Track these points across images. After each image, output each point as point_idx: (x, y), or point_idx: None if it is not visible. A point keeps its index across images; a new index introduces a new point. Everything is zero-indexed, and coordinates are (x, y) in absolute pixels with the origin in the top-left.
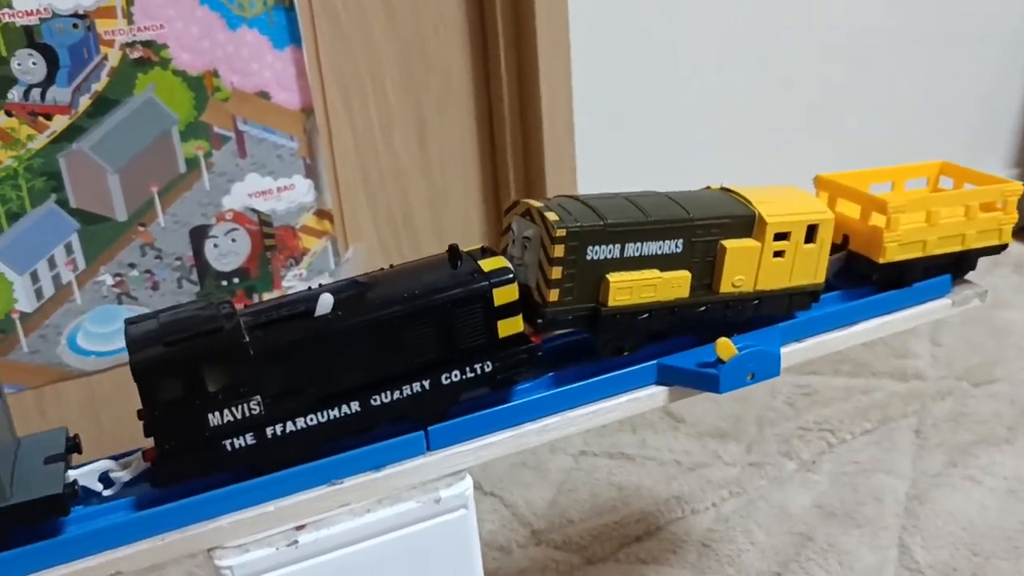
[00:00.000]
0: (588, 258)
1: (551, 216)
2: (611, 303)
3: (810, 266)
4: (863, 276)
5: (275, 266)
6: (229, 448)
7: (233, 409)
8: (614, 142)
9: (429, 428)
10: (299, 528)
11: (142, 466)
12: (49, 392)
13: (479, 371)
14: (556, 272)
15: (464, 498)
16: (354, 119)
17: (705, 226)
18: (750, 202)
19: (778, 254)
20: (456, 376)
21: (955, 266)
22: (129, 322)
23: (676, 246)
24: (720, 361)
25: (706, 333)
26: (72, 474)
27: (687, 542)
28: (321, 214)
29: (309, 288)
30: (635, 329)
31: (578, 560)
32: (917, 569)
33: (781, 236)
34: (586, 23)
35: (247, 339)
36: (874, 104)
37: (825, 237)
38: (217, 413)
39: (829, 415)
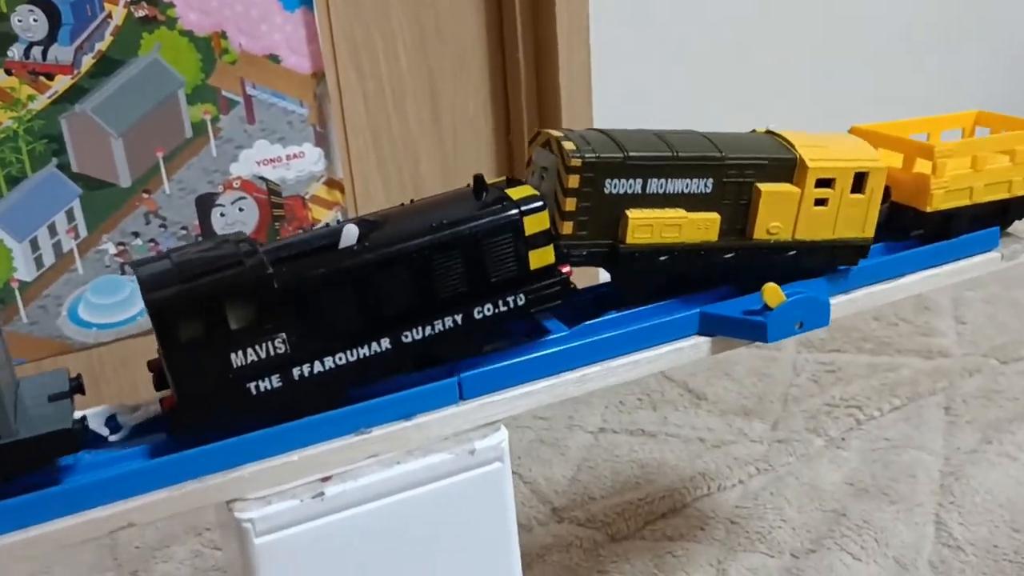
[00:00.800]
0: (606, 191)
1: (568, 145)
2: (629, 240)
3: (857, 218)
4: (907, 228)
5: (283, 237)
6: (254, 391)
7: (257, 348)
8: (634, 116)
9: (462, 376)
10: (325, 479)
11: (151, 412)
12: (49, 365)
13: (511, 304)
14: (570, 204)
15: (500, 450)
16: (366, 86)
17: (738, 166)
18: (793, 145)
19: (820, 202)
20: (488, 310)
21: (1001, 215)
22: (137, 264)
23: (705, 185)
24: (767, 308)
25: (738, 282)
26: (80, 412)
27: (714, 519)
28: (331, 184)
29: (328, 224)
30: (655, 270)
31: (602, 537)
32: (956, 546)
33: (824, 183)
34: None
35: (270, 271)
36: (886, 93)
37: (875, 187)
38: (240, 353)
39: (855, 392)
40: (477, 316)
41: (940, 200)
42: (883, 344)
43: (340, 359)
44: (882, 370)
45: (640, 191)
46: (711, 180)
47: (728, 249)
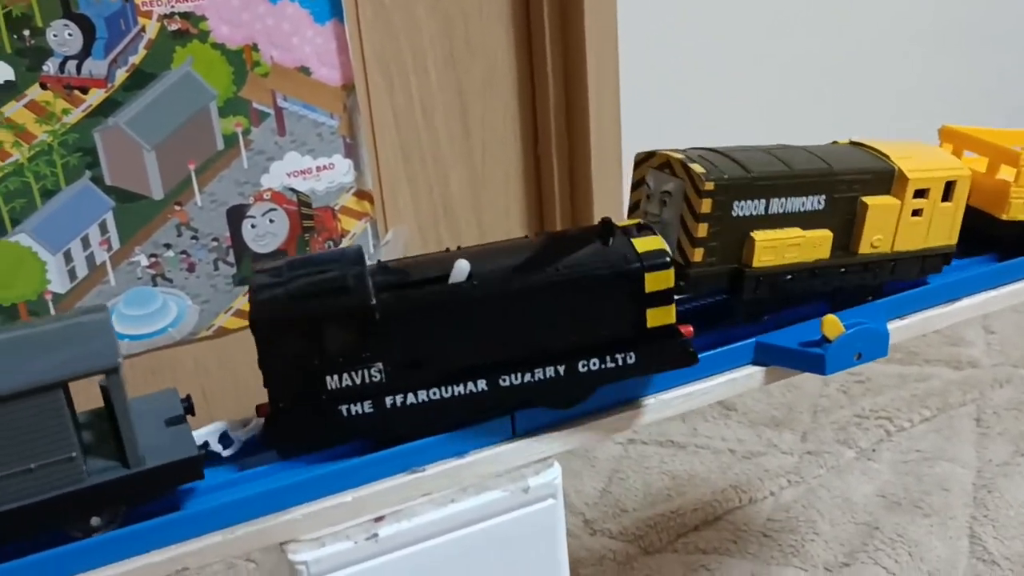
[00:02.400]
0: (734, 214)
1: (697, 168)
2: (756, 263)
3: (946, 226)
4: (982, 235)
5: (313, 248)
6: (345, 414)
7: (353, 374)
8: (662, 132)
9: (515, 411)
10: (378, 520)
11: (259, 425)
12: None
13: (620, 362)
14: (702, 229)
15: (553, 487)
16: (395, 98)
17: (847, 181)
18: (887, 156)
19: (916, 212)
20: (595, 365)
21: None
22: (258, 269)
23: (819, 202)
24: (826, 340)
25: (838, 298)
26: (198, 435)
27: (747, 532)
28: (361, 195)
29: (447, 250)
30: (778, 291)
31: (635, 550)
32: (992, 560)
33: (920, 193)
34: (635, 8)
35: (374, 301)
36: (904, 93)
37: (961, 195)
38: (336, 376)
39: (885, 403)
40: (581, 369)
41: (1019, 209)
42: (912, 354)
43: (434, 394)
44: (912, 380)
45: (764, 212)
46: (824, 196)
47: (839, 265)
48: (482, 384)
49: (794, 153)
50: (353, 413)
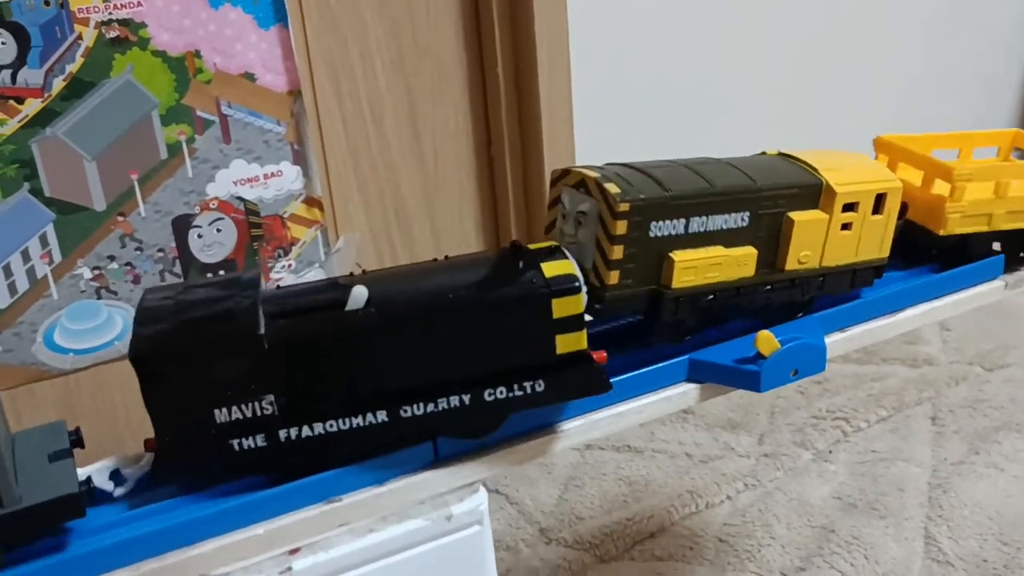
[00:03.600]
0: (651, 235)
1: (611, 188)
2: (675, 284)
3: (876, 239)
4: (920, 248)
5: (263, 257)
6: (236, 448)
7: (243, 407)
8: (615, 126)
9: (424, 441)
10: (293, 552)
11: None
12: (24, 393)
13: (528, 390)
14: (617, 251)
15: (478, 513)
16: (343, 103)
17: (772, 197)
18: (816, 169)
19: (845, 226)
20: (502, 393)
21: (1021, 242)
22: (146, 293)
23: (742, 219)
24: (761, 356)
25: (766, 314)
26: (83, 471)
27: (703, 537)
28: (310, 202)
29: (352, 274)
30: (700, 312)
31: (590, 559)
32: (946, 560)
33: (849, 207)
34: (585, 4)
35: (262, 331)
36: (880, 83)
37: (892, 207)
38: (224, 409)
39: (842, 403)
40: (488, 398)
41: (955, 224)
42: (869, 353)
43: (331, 426)
44: (868, 380)
45: (683, 231)
46: (747, 213)
47: (764, 283)
48: (382, 415)
49: (717, 168)
50: (245, 447)
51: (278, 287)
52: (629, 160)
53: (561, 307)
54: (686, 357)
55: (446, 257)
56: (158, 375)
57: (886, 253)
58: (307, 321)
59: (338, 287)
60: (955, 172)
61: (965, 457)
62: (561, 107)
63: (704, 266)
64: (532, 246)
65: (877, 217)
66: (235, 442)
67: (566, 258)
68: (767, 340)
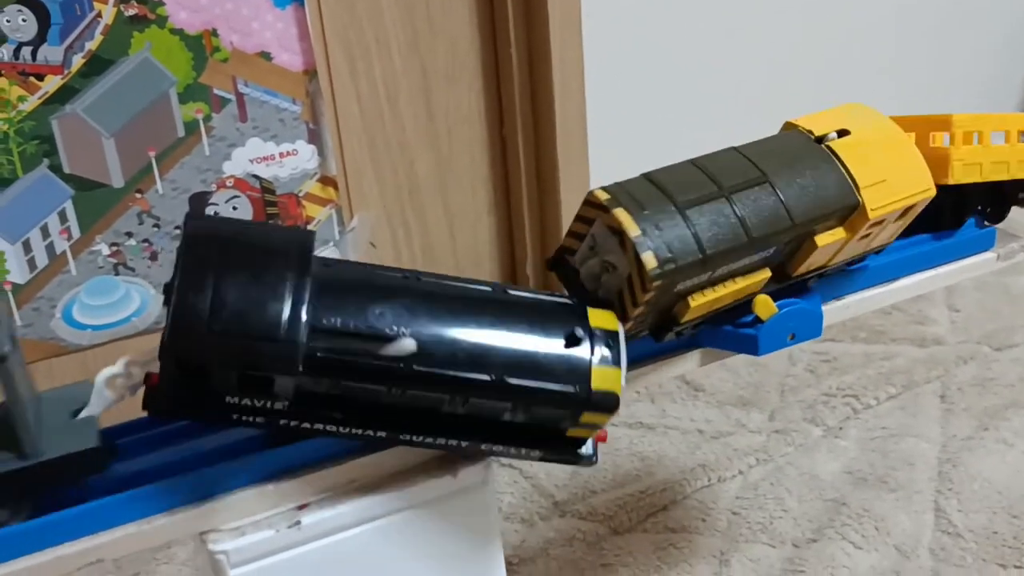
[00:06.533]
0: (676, 290)
1: (648, 261)
2: (685, 320)
3: (888, 237)
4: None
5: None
6: (235, 419)
7: (256, 401)
8: (628, 109)
9: None
10: (301, 508)
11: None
12: (43, 368)
13: (522, 455)
14: (640, 311)
15: (483, 473)
16: (359, 83)
17: (807, 233)
18: (856, 182)
19: (864, 236)
20: (498, 449)
21: (999, 199)
22: (193, 224)
23: (767, 253)
24: (759, 320)
25: None
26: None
27: (715, 510)
28: (325, 181)
29: (405, 276)
30: (698, 326)
31: (604, 530)
32: (956, 532)
33: (877, 223)
34: None
35: (298, 355)
36: (885, 58)
37: (917, 210)
38: (236, 398)
39: (851, 381)
40: (483, 447)
41: (960, 172)
42: (878, 333)
43: (331, 428)
44: (877, 359)
45: (707, 279)
46: (775, 248)
47: (771, 293)
48: (382, 433)
49: (757, 202)
50: (244, 421)
51: (325, 264)
52: (643, 156)
53: (589, 417)
54: None
55: (504, 290)
56: (182, 365)
57: (892, 241)
58: (346, 353)
59: (392, 319)
60: (954, 120)
61: (974, 433)
62: (574, 86)
63: (716, 298)
64: (593, 320)
65: (899, 222)
66: (236, 415)
67: (617, 366)
68: (765, 304)
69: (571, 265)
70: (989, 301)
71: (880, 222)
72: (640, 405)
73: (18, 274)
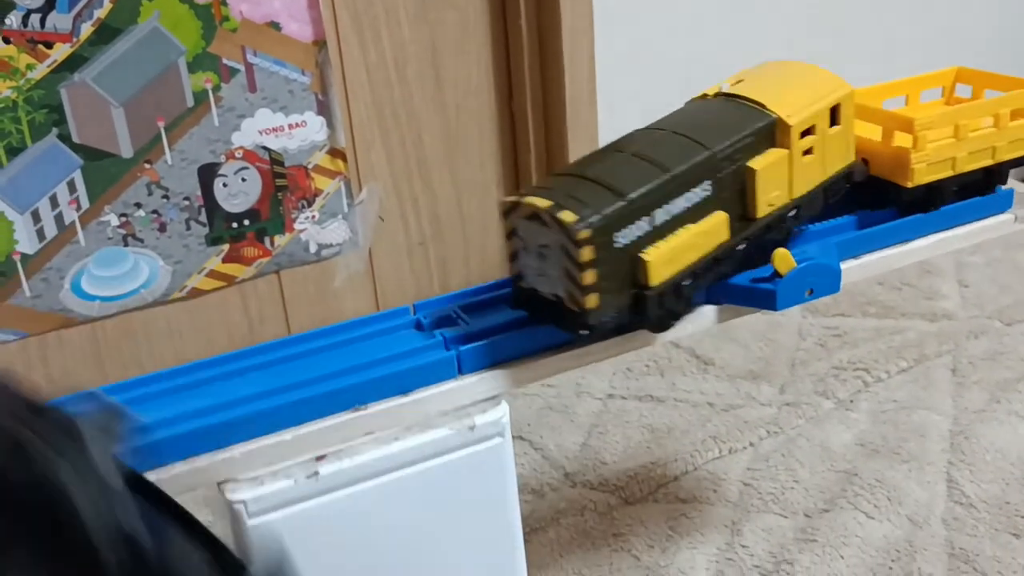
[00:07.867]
0: (617, 245)
1: (566, 217)
2: (654, 283)
3: (840, 148)
4: (888, 202)
5: (287, 207)
6: None
7: None
8: (638, 75)
9: (460, 349)
10: (319, 458)
11: None
12: (52, 339)
13: None
14: (589, 276)
15: (500, 425)
16: (367, 54)
17: (729, 156)
18: (762, 105)
19: (807, 151)
20: None
21: (984, 182)
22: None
23: (704, 190)
24: (777, 275)
25: (752, 264)
26: None
27: (727, 480)
28: (334, 153)
29: None
30: (683, 297)
31: (616, 500)
32: (969, 503)
33: (807, 132)
34: None
35: None
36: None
37: (848, 113)
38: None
39: (862, 355)
40: None
41: (922, 174)
42: (888, 308)
43: None
44: (887, 333)
45: (649, 228)
46: (708, 182)
47: (740, 240)
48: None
49: (663, 144)
50: None
51: None
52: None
53: None
54: None
55: None
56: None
57: (852, 156)
58: None
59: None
60: (916, 122)
61: (986, 406)
62: (583, 59)
63: (678, 253)
64: None
65: (835, 128)
66: None
67: None
68: (784, 258)
69: (526, 288)
70: (999, 276)
71: (810, 130)
72: (650, 378)
73: (27, 244)
